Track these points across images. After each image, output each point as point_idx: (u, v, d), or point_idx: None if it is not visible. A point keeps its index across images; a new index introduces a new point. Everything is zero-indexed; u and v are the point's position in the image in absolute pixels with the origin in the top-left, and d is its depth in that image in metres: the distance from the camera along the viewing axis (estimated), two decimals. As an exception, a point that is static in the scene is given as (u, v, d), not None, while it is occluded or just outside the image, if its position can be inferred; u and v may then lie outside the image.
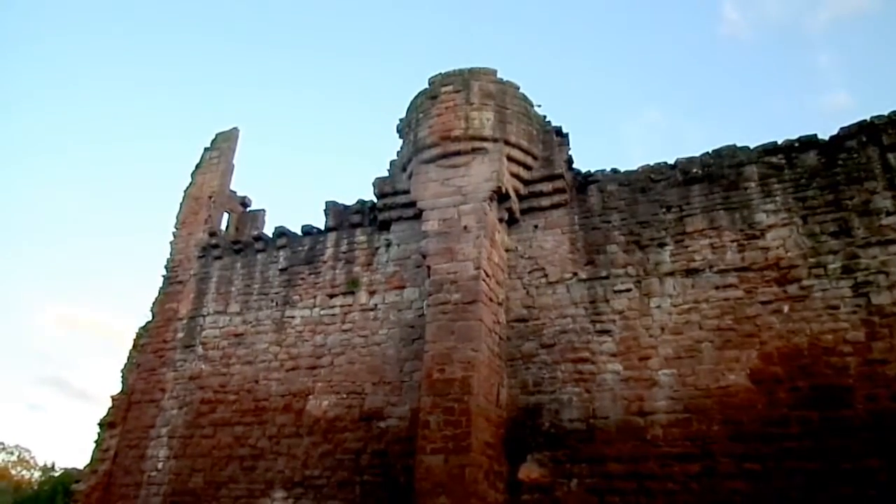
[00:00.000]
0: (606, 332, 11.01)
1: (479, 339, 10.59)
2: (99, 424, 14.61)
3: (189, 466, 12.95)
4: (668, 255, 11.21)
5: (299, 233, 14.68)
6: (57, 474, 33.67)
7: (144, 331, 15.45)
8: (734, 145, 11.71)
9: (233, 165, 17.09)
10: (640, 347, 10.67)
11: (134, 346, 15.44)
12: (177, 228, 16.41)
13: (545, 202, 12.51)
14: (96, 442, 14.42)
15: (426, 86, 13.16)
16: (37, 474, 41.36)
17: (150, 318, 15.55)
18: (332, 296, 13.44)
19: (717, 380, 9.96)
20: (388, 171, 13.68)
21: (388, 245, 13.42)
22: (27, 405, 73.29)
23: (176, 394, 13.99)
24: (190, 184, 16.92)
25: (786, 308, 10.05)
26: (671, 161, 12.04)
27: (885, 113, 10.71)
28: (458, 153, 12.19)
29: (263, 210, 17.24)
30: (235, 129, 17.49)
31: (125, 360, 15.32)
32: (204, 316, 14.68)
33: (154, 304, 15.68)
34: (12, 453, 43.12)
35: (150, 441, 13.67)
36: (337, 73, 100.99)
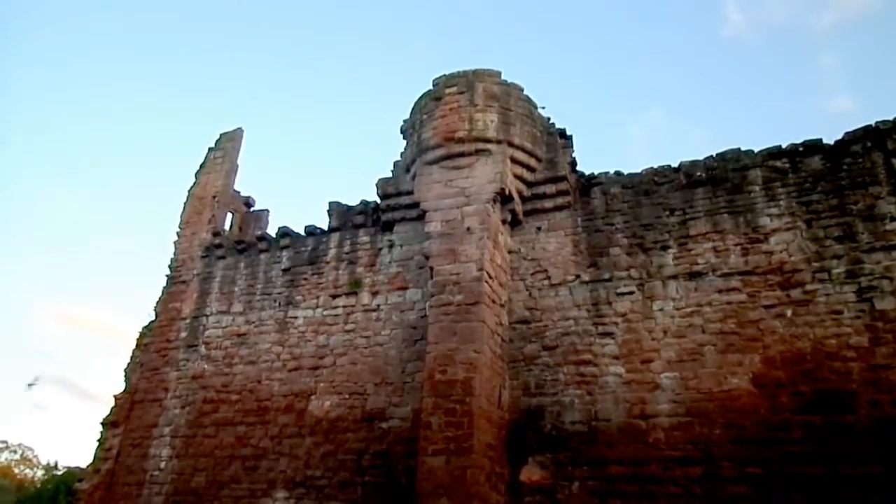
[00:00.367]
0: (609, 334, 11.01)
1: (482, 341, 10.59)
2: (102, 423, 14.67)
3: (191, 466, 12.99)
4: (671, 258, 11.20)
5: (303, 233, 14.71)
6: (60, 473, 33.65)
7: (148, 330, 15.51)
8: (738, 149, 11.70)
9: (237, 165, 17.17)
10: (642, 350, 10.66)
11: (137, 345, 15.51)
12: (180, 228, 16.48)
13: (548, 204, 12.51)
14: (99, 441, 14.48)
15: (430, 87, 13.20)
16: (40, 473, 41.42)
17: (153, 317, 15.64)
18: (334, 296, 13.47)
19: (719, 383, 9.95)
20: (392, 172, 13.71)
21: (391, 246, 13.44)
22: (29, 403, 73.47)
23: (179, 393, 14.03)
24: (194, 184, 16.99)
25: (789, 312, 10.03)
26: (675, 164, 12.04)
27: (890, 118, 10.70)
28: (461, 154, 12.21)
29: (267, 210, 17.36)
30: (240, 130, 17.57)
31: (128, 360, 15.40)
32: (207, 316, 14.73)
33: (157, 303, 15.76)
34: (15, 452, 43.19)
35: (152, 440, 13.72)
36: (341, 74, 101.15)
